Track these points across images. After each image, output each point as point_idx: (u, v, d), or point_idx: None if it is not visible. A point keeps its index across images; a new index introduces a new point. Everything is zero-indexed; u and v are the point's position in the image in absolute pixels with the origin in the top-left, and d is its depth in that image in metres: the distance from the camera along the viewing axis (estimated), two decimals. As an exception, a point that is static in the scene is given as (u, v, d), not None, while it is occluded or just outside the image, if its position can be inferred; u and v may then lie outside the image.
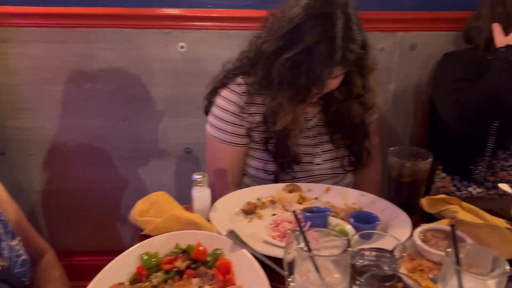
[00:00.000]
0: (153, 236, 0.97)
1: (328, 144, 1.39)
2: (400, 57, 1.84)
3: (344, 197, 1.17)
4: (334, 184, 1.38)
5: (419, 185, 1.10)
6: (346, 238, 0.74)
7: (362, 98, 1.33)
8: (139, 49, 1.79)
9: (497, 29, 1.38)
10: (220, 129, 1.31)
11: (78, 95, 1.84)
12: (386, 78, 1.88)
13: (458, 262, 0.66)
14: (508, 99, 1.31)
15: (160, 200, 1.09)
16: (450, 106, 1.42)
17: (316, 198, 1.19)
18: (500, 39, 1.36)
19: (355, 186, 1.48)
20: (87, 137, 1.91)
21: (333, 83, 1.24)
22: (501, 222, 1.05)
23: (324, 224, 1.01)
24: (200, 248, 0.91)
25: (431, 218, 1.11)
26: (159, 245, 0.94)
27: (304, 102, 1.28)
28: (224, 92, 1.31)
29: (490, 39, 1.44)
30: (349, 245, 0.72)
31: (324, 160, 1.38)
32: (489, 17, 1.44)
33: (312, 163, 1.36)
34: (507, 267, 0.66)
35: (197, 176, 1.07)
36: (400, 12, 1.78)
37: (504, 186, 1.21)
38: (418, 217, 1.13)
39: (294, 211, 0.80)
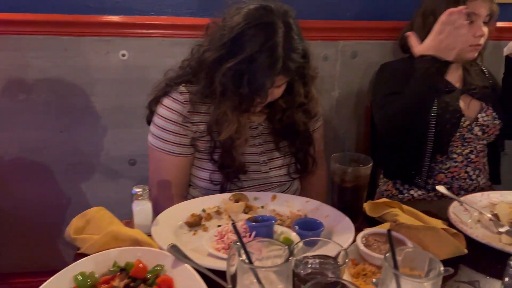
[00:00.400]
0: (89, 255, 0.91)
1: (275, 152, 1.39)
2: (343, 65, 1.89)
3: (290, 205, 1.17)
4: (281, 192, 1.38)
5: (361, 190, 1.12)
6: (287, 247, 0.73)
7: (305, 106, 1.35)
8: (78, 58, 1.71)
9: (412, 38, 1.41)
10: (163, 139, 1.27)
11: (11, 106, 1.72)
12: (330, 85, 1.92)
13: (395, 266, 0.67)
14: (426, 108, 1.39)
15: (97, 216, 1.03)
16: (380, 119, 1.50)
17: (262, 207, 1.18)
18: (416, 48, 1.39)
19: (302, 193, 1.49)
20: (22, 150, 1.79)
21: (276, 92, 1.24)
22: (438, 223, 1.09)
23: (269, 233, 1.00)
24: (140, 265, 0.87)
25: (374, 222, 1.14)
26: (96, 264, 0.88)
27: (248, 112, 1.27)
28: (166, 101, 1.27)
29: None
30: (290, 254, 0.71)
31: (271, 168, 1.37)
32: (422, 27, 1.51)
33: (259, 171, 1.35)
34: (442, 268, 0.68)
35: (136, 189, 1.02)
36: (341, 21, 1.83)
37: (441, 188, 1.27)
38: (362, 221, 1.15)
39: (233, 222, 0.78)
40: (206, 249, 0.96)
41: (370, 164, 1.09)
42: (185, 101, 1.26)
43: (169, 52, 1.71)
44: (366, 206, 1.15)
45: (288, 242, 0.96)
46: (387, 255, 0.69)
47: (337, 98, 1.94)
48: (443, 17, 1.29)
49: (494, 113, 1.54)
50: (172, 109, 1.26)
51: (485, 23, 1.48)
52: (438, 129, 1.48)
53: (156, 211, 1.13)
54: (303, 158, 1.41)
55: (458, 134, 1.50)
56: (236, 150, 1.26)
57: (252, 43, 1.13)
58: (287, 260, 0.70)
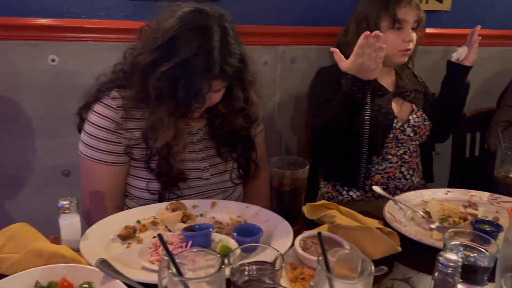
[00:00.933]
0: (9, 275, 0.83)
1: (216, 158, 1.36)
2: (282, 70, 1.90)
3: (229, 211, 1.15)
4: (224, 198, 1.35)
5: (299, 193, 1.12)
6: (220, 255, 0.70)
7: (245, 111, 1.33)
8: (2, 63, 1.59)
9: (336, 55, 1.40)
10: (94, 148, 1.20)
11: None
12: (271, 90, 1.93)
13: (328, 268, 0.67)
14: (352, 122, 1.45)
15: (19, 233, 0.95)
16: (314, 127, 1.56)
17: (201, 215, 1.14)
18: (341, 65, 1.39)
19: (246, 198, 1.47)
20: None
21: (215, 97, 1.22)
22: (375, 223, 1.11)
23: (207, 242, 0.97)
24: (65, 283, 0.81)
25: (313, 224, 1.14)
26: (16, 285, 0.81)
27: (186, 117, 1.23)
28: (97, 107, 1.21)
29: None
30: (223, 263, 0.69)
31: (213, 175, 1.34)
32: (356, 33, 1.55)
33: (200, 178, 1.32)
34: (373, 268, 0.68)
35: (63, 202, 0.96)
36: (280, 27, 1.85)
37: (377, 189, 1.30)
38: (301, 224, 1.15)
39: (159, 234, 0.74)
40: (139, 262, 0.91)
41: (307, 167, 1.10)
42: (117, 106, 1.20)
43: (103, 57, 1.63)
44: (305, 208, 1.15)
45: (226, 250, 0.93)
46: (319, 258, 0.68)
47: (278, 103, 1.96)
48: (360, 40, 1.27)
49: (424, 115, 1.62)
50: (104, 116, 1.20)
51: (413, 29, 1.56)
52: (373, 131, 1.53)
53: (90, 224, 1.06)
54: (245, 163, 1.39)
55: (391, 135, 1.56)
56: (174, 157, 1.22)
57: (187, 47, 1.10)
58: (219, 269, 0.67)
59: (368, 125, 1.54)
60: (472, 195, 1.30)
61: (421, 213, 1.18)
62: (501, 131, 1.41)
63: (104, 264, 0.85)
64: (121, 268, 0.87)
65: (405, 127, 1.59)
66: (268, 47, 1.86)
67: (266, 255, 0.84)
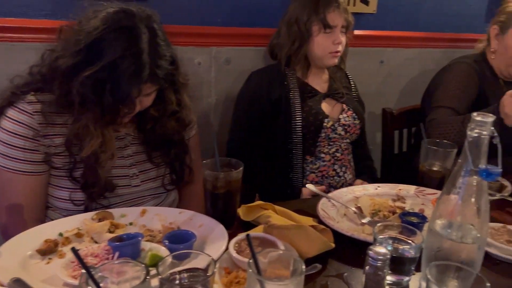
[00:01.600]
0: None
1: (147, 163, 1.30)
2: (217, 71, 1.88)
3: (161, 218, 1.10)
4: (156, 204, 1.30)
5: (233, 195, 1.10)
6: (145, 266, 0.66)
7: (178, 115, 1.29)
8: None
9: None
10: (9, 157, 1.10)
11: None
12: (207, 92, 1.89)
13: (258, 271, 0.65)
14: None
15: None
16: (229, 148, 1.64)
17: (130, 224, 1.08)
18: None
19: (181, 203, 1.43)
20: None
21: (146, 101, 1.17)
22: (309, 221, 1.12)
23: (136, 252, 0.92)
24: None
25: (249, 226, 1.12)
26: None
27: (114, 123, 1.17)
28: (11, 112, 1.11)
29: (290, 55, 1.62)
30: (148, 274, 0.65)
31: (143, 181, 1.28)
32: (287, 35, 1.60)
33: (129, 185, 1.25)
34: (303, 267, 0.68)
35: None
36: (212, 27, 1.82)
37: (310, 186, 1.31)
38: (237, 226, 1.13)
39: (73, 248, 0.69)
40: (61, 278, 0.84)
41: (241, 168, 1.08)
42: (34, 111, 1.10)
43: (21, 58, 1.49)
44: (240, 210, 1.13)
45: (156, 259, 0.89)
46: (250, 260, 0.66)
47: (214, 104, 1.93)
48: None
49: (354, 114, 1.68)
50: (19, 122, 1.10)
51: (343, 32, 1.61)
52: (305, 131, 1.57)
53: (7, 240, 0.96)
54: (179, 168, 1.35)
55: (323, 134, 1.60)
56: (102, 166, 1.14)
57: (113, 49, 1.04)
58: (143, 280, 0.63)
59: (300, 126, 1.57)
60: (400, 189, 1.35)
61: (353, 209, 1.21)
62: (425, 128, 1.48)
63: (18, 283, 0.77)
64: (40, 286, 0.79)
65: (336, 126, 1.63)
66: (201, 48, 1.82)
67: (199, 262, 0.81)
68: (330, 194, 1.29)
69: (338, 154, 1.67)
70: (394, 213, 1.20)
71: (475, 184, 0.82)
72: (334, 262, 1.01)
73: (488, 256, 1.05)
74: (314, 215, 1.18)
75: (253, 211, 1.13)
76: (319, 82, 1.69)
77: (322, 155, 1.64)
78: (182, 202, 1.43)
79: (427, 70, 2.29)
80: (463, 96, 1.65)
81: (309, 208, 1.23)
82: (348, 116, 1.67)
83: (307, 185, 1.31)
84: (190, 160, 1.37)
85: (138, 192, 1.26)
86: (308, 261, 0.96)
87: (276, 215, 1.11)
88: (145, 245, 0.95)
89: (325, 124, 1.60)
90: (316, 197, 1.32)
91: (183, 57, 1.76)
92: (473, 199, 0.82)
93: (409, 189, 1.35)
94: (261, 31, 1.90)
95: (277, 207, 1.16)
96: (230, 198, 1.09)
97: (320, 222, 1.13)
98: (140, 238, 0.92)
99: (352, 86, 1.80)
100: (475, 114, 0.81)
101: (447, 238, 0.84)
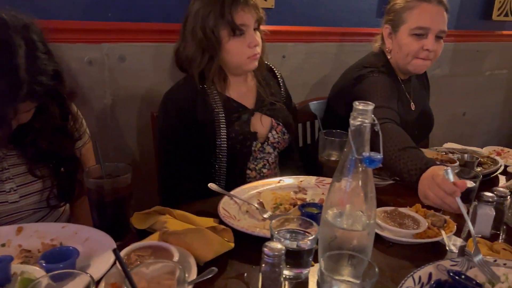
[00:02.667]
0: None
1: (26, 176, 1.15)
2: (111, 69, 1.75)
3: (41, 235, 0.98)
4: (38, 220, 1.16)
5: (123, 203, 1.01)
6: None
7: (65, 127, 1.17)
8: None
9: None
10: None
11: None
12: (101, 92, 1.76)
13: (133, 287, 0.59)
14: None
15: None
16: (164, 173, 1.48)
17: (3, 245, 0.95)
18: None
19: (72, 217, 1.30)
20: None
21: (23, 118, 1.04)
22: (209, 222, 1.07)
23: (5, 276, 0.80)
24: None
25: (146, 234, 1.04)
26: None
27: None
28: None
29: (203, 70, 1.41)
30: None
31: (22, 196, 1.13)
32: (194, 46, 1.38)
33: (5, 202, 1.10)
34: (186, 275, 0.63)
35: None
36: (102, 23, 1.68)
37: (212, 186, 1.26)
38: (132, 236, 1.04)
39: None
40: None
41: (129, 173, 1.00)
42: None
43: None
44: (134, 218, 1.05)
45: (28, 283, 0.78)
46: (125, 278, 0.60)
47: (111, 106, 1.79)
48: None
49: (283, 129, 1.53)
50: None
51: (256, 30, 1.43)
52: (230, 158, 1.43)
53: None
54: (67, 183, 1.21)
55: (250, 157, 1.48)
56: None
57: None
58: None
59: (225, 154, 1.42)
60: (301, 181, 1.37)
61: (255, 204, 1.19)
62: (320, 119, 1.51)
63: None
64: None
65: (264, 146, 1.50)
66: (91, 45, 1.68)
67: (81, 281, 0.73)
68: (233, 192, 1.26)
69: (265, 170, 1.53)
70: (295, 205, 1.20)
71: (360, 171, 0.83)
72: (235, 263, 0.97)
73: (381, 240, 1.09)
74: (216, 215, 1.14)
75: (149, 218, 1.06)
76: (243, 93, 1.51)
77: (248, 171, 1.50)
78: (74, 216, 1.30)
79: (327, 64, 2.38)
80: (393, 97, 1.54)
81: (211, 208, 1.18)
82: (277, 133, 1.52)
83: (209, 185, 1.25)
84: (82, 173, 1.24)
85: (16, 209, 1.12)
86: (206, 265, 0.92)
87: (174, 220, 1.05)
88: (17, 268, 0.83)
89: (253, 148, 1.47)
90: (219, 196, 1.28)
91: (72, 56, 1.64)
92: (360, 186, 0.84)
93: (310, 180, 1.37)
94: (159, 26, 1.81)
95: (176, 211, 1.09)
96: (119, 207, 1.00)
97: (221, 222, 1.09)
98: (7, 261, 0.80)
99: (281, 84, 1.63)
100: (357, 103, 0.82)
101: (338, 227, 0.84)
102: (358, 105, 0.82)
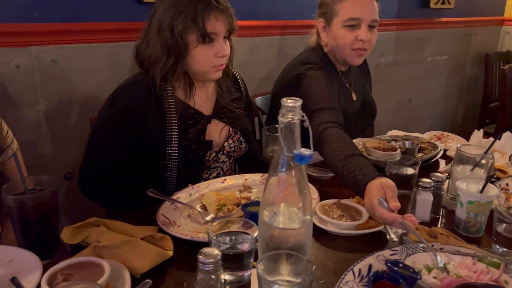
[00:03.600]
0: None
1: None
2: (43, 74, 1.65)
3: (-42, 261, 0.89)
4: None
5: (51, 218, 0.95)
6: None
7: None
8: None
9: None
10: None
11: None
12: (32, 98, 1.65)
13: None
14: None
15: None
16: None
17: None
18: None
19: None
20: None
21: None
22: (148, 230, 1.03)
23: None
24: None
25: (81, 248, 0.98)
26: None
27: None
28: None
29: (167, 70, 1.30)
30: None
31: None
32: (159, 44, 1.27)
33: None
34: None
35: None
36: (29, 24, 1.58)
37: (151, 193, 1.21)
38: (63, 252, 0.98)
39: None
40: None
41: (55, 187, 0.93)
42: None
43: None
44: (64, 234, 0.98)
45: None
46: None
47: (45, 112, 1.69)
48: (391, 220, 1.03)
49: (241, 138, 1.47)
50: None
51: (226, 38, 1.34)
52: (181, 168, 1.35)
53: None
54: None
55: (203, 167, 1.41)
56: None
57: None
58: None
59: (175, 164, 1.33)
60: (246, 179, 1.34)
61: (197, 208, 1.15)
62: (262, 115, 1.49)
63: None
64: None
65: (219, 155, 1.42)
66: (17, 48, 1.58)
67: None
68: (175, 196, 1.21)
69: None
70: (239, 205, 1.17)
71: (293, 168, 0.81)
72: (174, 271, 0.94)
73: (325, 233, 1.09)
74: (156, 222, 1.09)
75: (81, 232, 1.00)
76: (203, 100, 1.42)
77: (201, 181, 1.39)
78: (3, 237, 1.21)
79: (272, 58, 2.37)
80: (334, 95, 1.54)
81: (152, 216, 1.13)
82: (234, 142, 1.45)
83: (148, 191, 1.20)
84: None
85: None
86: (144, 276, 0.88)
87: (109, 232, 1.00)
88: None
89: (207, 157, 1.39)
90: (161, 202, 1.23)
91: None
92: (294, 183, 0.82)
93: (255, 178, 1.35)
94: (93, 26, 1.72)
95: (113, 222, 1.04)
96: (45, 223, 0.93)
97: (161, 229, 1.05)
98: None
99: (243, 90, 1.57)
100: (285, 99, 0.80)
101: (275, 227, 0.83)
102: (287, 102, 0.80)
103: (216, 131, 1.42)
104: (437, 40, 3.43)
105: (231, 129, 1.45)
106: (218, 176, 1.46)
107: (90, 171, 1.34)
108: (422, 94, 3.50)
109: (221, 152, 1.43)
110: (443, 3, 3.24)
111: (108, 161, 1.32)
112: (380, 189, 1.07)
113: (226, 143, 1.43)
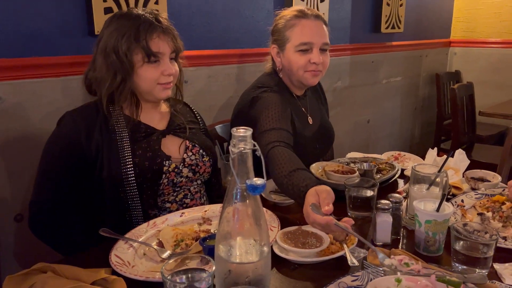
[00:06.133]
0: None
1: None
2: (-13, 112, 1.56)
3: None
4: None
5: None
6: None
7: None
8: None
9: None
10: None
11: None
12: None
13: None
14: None
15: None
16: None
17: None
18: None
19: None
20: None
21: None
22: (100, 273, 0.96)
23: None
24: None
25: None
26: None
27: None
28: None
29: (113, 91, 1.31)
30: None
31: None
32: (105, 67, 1.30)
33: None
34: None
35: None
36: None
37: (104, 232, 1.15)
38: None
39: None
40: None
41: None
42: None
43: None
44: (6, 283, 0.91)
45: None
46: None
47: (-9, 152, 1.60)
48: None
49: (201, 150, 1.44)
50: None
51: (173, 59, 1.36)
52: (140, 180, 1.30)
53: None
54: None
55: (165, 180, 1.35)
56: None
57: None
58: None
59: (132, 175, 1.28)
60: (205, 211, 1.30)
61: (153, 245, 1.10)
62: (219, 144, 1.47)
63: None
64: None
65: (181, 168, 1.38)
66: None
67: None
68: (129, 233, 1.16)
69: (187, 200, 1.41)
70: (197, 239, 1.13)
71: (248, 198, 0.79)
72: (127, 316, 0.88)
73: (286, 263, 1.06)
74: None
75: (26, 280, 0.92)
76: (155, 118, 1.42)
77: (168, 204, 1.37)
78: None
79: (230, 86, 2.37)
80: (286, 117, 1.54)
81: (106, 257, 1.07)
82: (194, 154, 1.42)
83: (100, 231, 1.14)
84: None
85: None
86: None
87: (56, 278, 0.93)
88: None
89: (166, 168, 1.34)
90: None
91: None
92: (249, 214, 0.80)
93: (215, 209, 1.31)
94: (44, 60, 1.66)
95: (61, 266, 0.97)
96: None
97: (114, 271, 0.99)
98: None
99: (199, 119, 1.58)
100: (235, 129, 0.79)
101: (231, 262, 0.79)
102: (237, 132, 0.78)
103: (173, 146, 1.40)
104: (390, 62, 3.56)
105: (187, 142, 1.43)
106: (185, 197, 1.42)
107: (38, 205, 1.28)
108: (379, 115, 3.60)
109: (182, 164, 1.39)
110: (393, 27, 3.39)
111: (57, 191, 1.27)
112: (315, 194, 1.10)
113: (185, 155, 1.41)
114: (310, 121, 1.74)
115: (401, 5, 3.40)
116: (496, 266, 1.02)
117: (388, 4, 3.26)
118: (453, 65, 4.33)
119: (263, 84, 1.63)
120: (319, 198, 1.09)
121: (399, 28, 3.45)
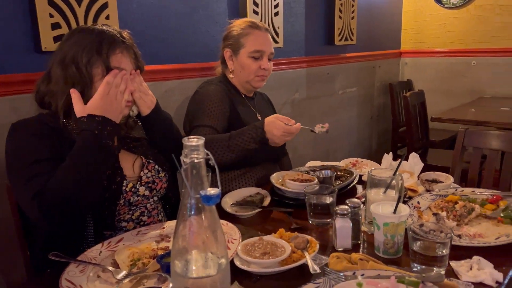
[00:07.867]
0: None
1: None
2: None
3: None
4: None
5: None
6: None
7: None
8: None
9: (75, 96, 1.21)
10: None
11: None
12: None
13: None
14: (101, 179, 1.21)
15: None
16: (28, 203, 1.12)
17: None
18: (79, 107, 1.21)
19: None
20: None
21: None
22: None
23: None
24: None
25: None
26: None
27: None
28: None
29: (70, 104, 1.25)
30: None
31: None
32: (63, 79, 1.25)
33: None
34: None
35: None
36: None
37: (52, 256, 1.08)
38: None
39: None
40: None
41: None
42: None
43: None
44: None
45: None
46: None
47: None
48: (107, 78, 1.22)
49: (156, 166, 1.40)
50: None
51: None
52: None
53: None
54: None
55: (122, 201, 1.29)
56: None
57: None
58: None
59: None
60: (164, 227, 1.26)
61: (108, 267, 1.05)
62: (176, 157, 1.43)
63: None
64: None
65: (138, 187, 1.33)
66: None
67: None
68: (80, 256, 1.09)
69: (144, 218, 1.36)
70: (155, 257, 1.09)
71: (203, 210, 0.77)
72: None
73: (248, 274, 1.04)
74: (63, 288, 0.97)
75: None
76: None
77: (124, 223, 1.32)
78: None
79: (187, 100, 2.34)
80: (219, 113, 1.71)
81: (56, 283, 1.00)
82: (150, 171, 1.38)
83: (50, 255, 1.07)
84: None
85: None
86: None
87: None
88: None
89: (124, 187, 1.29)
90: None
91: None
92: (205, 226, 0.77)
93: (173, 225, 1.26)
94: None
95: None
96: None
97: (65, 297, 0.93)
98: None
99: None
100: (186, 139, 0.77)
101: (188, 277, 0.76)
102: (189, 141, 0.76)
103: (127, 163, 1.35)
104: (345, 74, 3.66)
105: (143, 158, 1.39)
106: (142, 215, 1.36)
107: (38, 194, 1.13)
108: (337, 125, 3.67)
109: (139, 183, 1.34)
110: (346, 39, 3.49)
111: (49, 172, 1.17)
112: (273, 117, 1.52)
113: (142, 173, 1.36)
114: (259, 118, 1.88)
115: (352, 18, 3.51)
116: (453, 264, 1.04)
117: (340, 17, 3.36)
118: (405, 75, 4.51)
119: (208, 81, 1.85)
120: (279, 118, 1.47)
121: (352, 40, 3.56)
